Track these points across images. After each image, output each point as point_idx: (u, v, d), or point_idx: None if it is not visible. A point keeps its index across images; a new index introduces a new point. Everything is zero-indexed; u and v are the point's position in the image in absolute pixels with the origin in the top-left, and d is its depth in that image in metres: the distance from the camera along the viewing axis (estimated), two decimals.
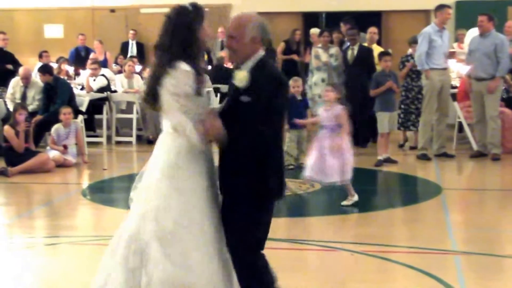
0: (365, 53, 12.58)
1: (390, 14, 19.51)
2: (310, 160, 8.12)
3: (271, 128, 4.26)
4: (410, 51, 12.31)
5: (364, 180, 10.40)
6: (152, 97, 4.38)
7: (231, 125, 4.23)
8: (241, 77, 4.29)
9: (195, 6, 4.40)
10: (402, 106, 12.10)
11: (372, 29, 13.36)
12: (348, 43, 12.85)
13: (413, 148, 12.18)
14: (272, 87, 4.25)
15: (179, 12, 4.41)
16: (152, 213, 4.25)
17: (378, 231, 7.40)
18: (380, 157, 10.81)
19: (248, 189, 4.25)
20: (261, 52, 4.35)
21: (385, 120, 10.68)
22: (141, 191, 4.39)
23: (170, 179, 4.29)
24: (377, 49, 12.83)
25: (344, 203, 8.27)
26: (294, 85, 10.57)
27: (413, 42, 12.07)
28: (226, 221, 4.33)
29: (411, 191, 9.86)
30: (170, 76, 4.25)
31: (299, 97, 10.60)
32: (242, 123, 4.23)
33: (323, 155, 8.04)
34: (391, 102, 10.80)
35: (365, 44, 13.02)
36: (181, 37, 4.35)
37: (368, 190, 9.90)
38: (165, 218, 4.23)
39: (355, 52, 12.57)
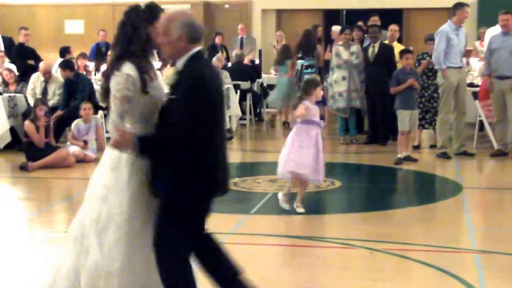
0: (386, 50, 12.52)
1: (411, 11, 19.45)
2: (304, 158, 7.61)
3: (200, 124, 4.21)
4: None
5: (384, 178, 10.38)
6: (104, 92, 4.54)
7: (164, 123, 4.31)
8: (167, 74, 4.39)
9: (149, 5, 4.52)
10: (420, 105, 11.97)
11: (393, 27, 13.30)
12: (369, 41, 12.81)
13: (433, 146, 12.10)
14: (194, 83, 4.23)
15: (129, 10, 4.56)
16: (92, 201, 4.56)
17: (398, 229, 7.37)
18: (400, 155, 10.76)
19: (179, 190, 4.27)
20: (195, 50, 4.34)
21: (406, 118, 10.63)
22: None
23: (112, 171, 4.49)
24: (397, 47, 12.77)
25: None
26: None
27: (429, 39, 12.02)
28: (160, 218, 4.35)
29: (431, 189, 9.81)
30: (114, 77, 4.41)
31: None
32: (172, 121, 4.25)
33: (317, 152, 7.70)
34: (412, 100, 10.75)
35: (386, 42, 12.97)
36: (125, 34, 4.49)
37: (387, 188, 9.87)
38: (102, 208, 4.45)
39: (376, 49, 12.52)
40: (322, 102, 10.72)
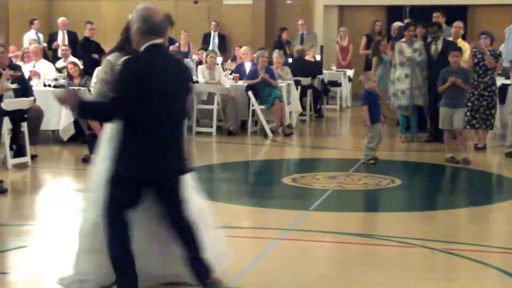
0: (450, 47, 12.27)
1: (477, 8, 19.12)
2: None
3: (122, 103, 4.69)
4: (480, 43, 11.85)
5: (446, 177, 10.23)
6: None
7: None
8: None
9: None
10: (469, 104, 11.57)
11: (457, 24, 13.05)
12: (431, 38, 12.61)
13: (479, 148, 11.65)
14: (120, 68, 4.71)
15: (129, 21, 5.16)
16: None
17: (459, 229, 7.26)
18: (448, 155, 10.49)
19: (114, 160, 4.81)
20: (151, 42, 4.74)
21: (443, 116, 10.42)
22: None
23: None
24: (462, 44, 12.53)
25: None
26: (369, 80, 10.55)
27: (482, 33, 11.78)
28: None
29: (495, 189, 9.63)
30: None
31: (374, 92, 10.49)
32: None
33: None
34: (454, 99, 10.40)
35: (450, 39, 12.74)
36: (124, 35, 5.20)
37: (449, 187, 9.75)
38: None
39: (439, 47, 12.29)
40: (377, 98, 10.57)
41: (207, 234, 5.13)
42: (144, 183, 4.86)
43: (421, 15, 15.40)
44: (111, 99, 4.78)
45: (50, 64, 13.93)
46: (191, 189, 5.19)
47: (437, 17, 13.54)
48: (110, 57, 5.07)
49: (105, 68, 5.07)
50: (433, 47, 12.38)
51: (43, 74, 12.82)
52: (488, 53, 11.43)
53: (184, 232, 4.94)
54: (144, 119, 4.69)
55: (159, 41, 4.77)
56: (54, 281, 5.27)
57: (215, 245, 5.22)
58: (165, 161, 4.80)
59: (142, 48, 4.75)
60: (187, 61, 14.62)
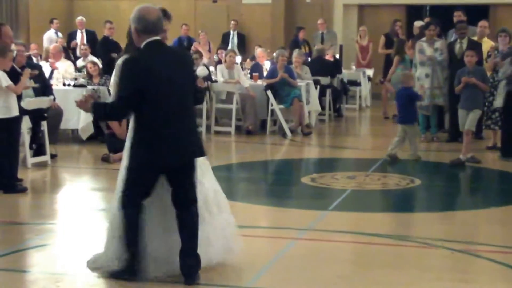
0: (474, 47, 12.13)
1: (498, 7, 18.99)
2: None
3: (127, 96, 4.94)
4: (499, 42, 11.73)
5: (465, 177, 10.16)
6: None
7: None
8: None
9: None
10: (486, 103, 11.41)
11: (483, 23, 12.89)
12: (455, 36, 12.51)
13: (492, 148, 11.52)
14: (121, 65, 5.01)
15: None
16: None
17: (480, 230, 7.21)
18: (461, 156, 10.38)
19: (129, 154, 5.15)
20: (148, 40, 5.02)
21: (461, 118, 10.36)
22: None
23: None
24: (488, 43, 12.40)
25: None
26: (412, 79, 10.76)
27: (501, 31, 11.65)
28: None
29: None
30: None
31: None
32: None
33: None
34: (468, 100, 10.27)
35: (475, 38, 12.61)
36: (129, 38, 5.64)
37: (469, 188, 9.69)
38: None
39: (464, 46, 12.12)
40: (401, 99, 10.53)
41: (219, 218, 5.49)
42: (161, 170, 5.11)
43: (441, 14, 15.30)
44: (116, 98, 5.08)
45: (70, 63, 13.98)
46: (207, 172, 5.53)
47: (459, 16, 13.43)
48: (120, 61, 5.27)
49: (116, 71, 5.30)
50: (457, 46, 12.24)
51: (63, 73, 12.88)
52: (501, 52, 11.36)
53: (188, 218, 5.16)
54: (152, 111, 4.93)
55: (157, 38, 5.06)
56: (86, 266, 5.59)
57: (225, 229, 5.54)
58: (179, 148, 5.03)
59: (142, 45, 5.04)
60: (202, 66, 14.29)
